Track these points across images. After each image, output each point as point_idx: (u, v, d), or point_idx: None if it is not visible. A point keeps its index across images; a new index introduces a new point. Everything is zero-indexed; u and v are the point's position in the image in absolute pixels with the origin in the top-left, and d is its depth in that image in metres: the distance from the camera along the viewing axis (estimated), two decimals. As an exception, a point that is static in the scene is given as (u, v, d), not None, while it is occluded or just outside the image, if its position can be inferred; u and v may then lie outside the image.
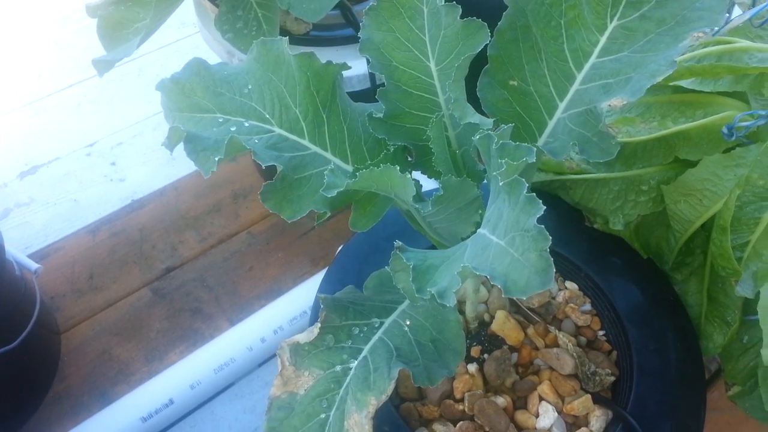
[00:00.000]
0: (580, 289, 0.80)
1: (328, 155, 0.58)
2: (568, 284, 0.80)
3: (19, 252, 1.10)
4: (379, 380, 0.49)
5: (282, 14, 0.92)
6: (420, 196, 0.59)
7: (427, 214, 0.52)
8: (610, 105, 0.47)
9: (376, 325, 0.55)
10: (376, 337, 0.54)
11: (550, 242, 0.37)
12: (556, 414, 0.70)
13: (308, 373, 0.53)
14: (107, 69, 0.86)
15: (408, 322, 0.54)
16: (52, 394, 1.10)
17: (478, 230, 0.47)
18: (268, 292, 1.22)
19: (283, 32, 0.94)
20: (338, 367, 0.53)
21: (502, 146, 0.44)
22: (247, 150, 0.51)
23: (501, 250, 0.40)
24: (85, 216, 1.29)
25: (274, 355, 1.15)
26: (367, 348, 0.54)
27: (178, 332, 1.18)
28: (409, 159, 0.60)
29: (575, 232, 0.81)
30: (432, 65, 0.56)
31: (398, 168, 0.48)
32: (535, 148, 0.42)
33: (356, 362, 0.53)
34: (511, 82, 0.58)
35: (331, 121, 0.57)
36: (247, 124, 0.55)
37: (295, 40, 0.97)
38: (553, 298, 0.79)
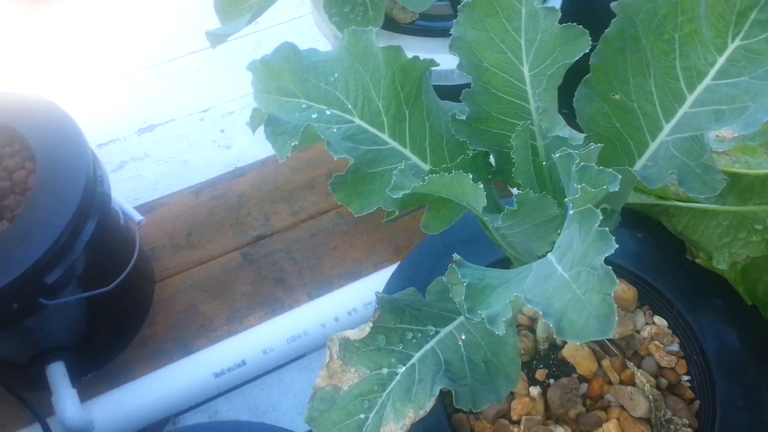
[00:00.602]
0: (669, 326, 0.73)
1: (407, 152, 0.56)
2: (657, 319, 0.74)
3: (127, 203, 1.19)
4: (421, 393, 0.47)
5: (389, 1, 0.91)
6: (498, 205, 0.56)
7: (498, 227, 0.49)
8: (718, 135, 0.42)
9: (431, 333, 0.53)
10: (428, 346, 0.53)
11: (617, 287, 0.33)
12: (619, 457, 0.65)
13: (354, 370, 0.52)
14: (219, 42, 0.89)
15: (464, 337, 0.52)
16: (140, 337, 1.18)
17: (548, 254, 0.44)
18: (348, 273, 1.23)
19: (389, 20, 0.93)
20: (385, 370, 0.52)
21: (583, 168, 0.40)
22: (322, 139, 0.50)
23: (563, 284, 0.37)
24: (192, 176, 1.37)
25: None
26: (417, 356, 0.52)
27: (260, 298, 1.22)
28: (492, 166, 0.57)
29: (673, 264, 0.74)
30: (525, 70, 0.52)
31: (471, 176, 0.45)
32: (620, 176, 0.38)
33: (403, 369, 0.51)
34: (613, 96, 0.53)
35: (413, 118, 0.55)
36: (328, 113, 0.55)
37: (401, 29, 0.95)
38: (638, 331, 0.73)
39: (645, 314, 0.74)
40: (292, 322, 1.15)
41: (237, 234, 1.29)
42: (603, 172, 0.39)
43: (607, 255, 0.34)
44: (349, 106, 0.55)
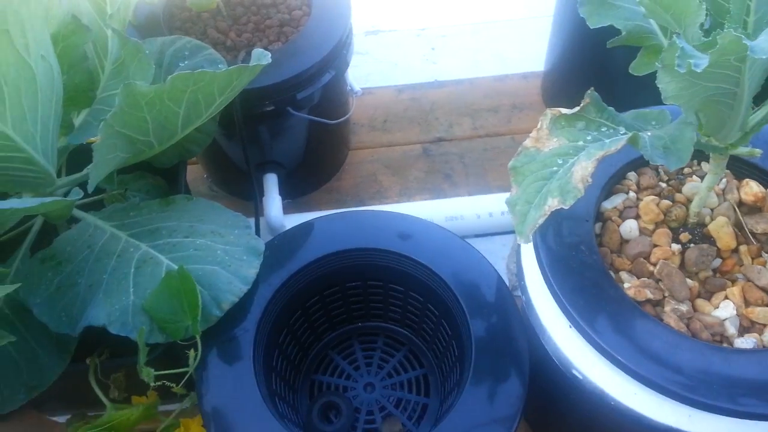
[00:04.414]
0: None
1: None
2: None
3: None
4: (613, 144, 0.64)
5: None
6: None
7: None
8: None
9: (622, 132, 0.69)
10: (617, 137, 0.68)
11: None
12: (734, 312, 0.76)
13: (556, 139, 0.69)
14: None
15: (649, 134, 0.67)
16: (328, 186, 1.43)
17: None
18: (508, 187, 1.39)
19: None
20: (581, 143, 0.68)
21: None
22: None
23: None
24: (398, 78, 1.60)
25: (491, 234, 1.34)
26: (608, 141, 0.68)
27: (429, 185, 1.42)
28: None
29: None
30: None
31: (698, -1, 0.61)
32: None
33: (596, 143, 0.67)
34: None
35: None
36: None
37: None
38: (782, 236, 0.83)
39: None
40: (453, 206, 1.34)
41: (423, 131, 1.51)
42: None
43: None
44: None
